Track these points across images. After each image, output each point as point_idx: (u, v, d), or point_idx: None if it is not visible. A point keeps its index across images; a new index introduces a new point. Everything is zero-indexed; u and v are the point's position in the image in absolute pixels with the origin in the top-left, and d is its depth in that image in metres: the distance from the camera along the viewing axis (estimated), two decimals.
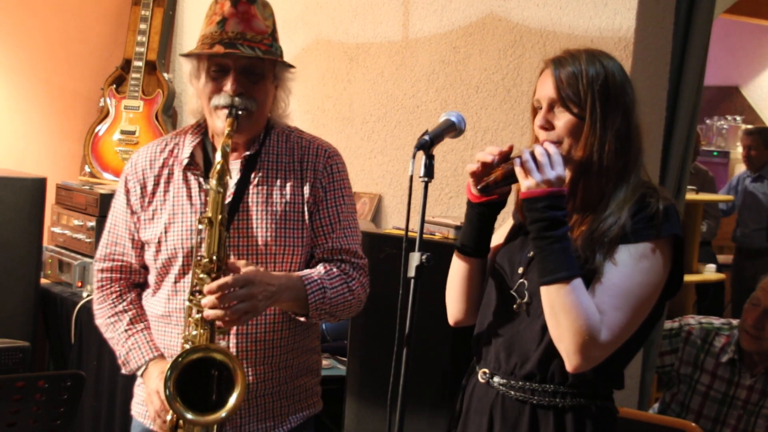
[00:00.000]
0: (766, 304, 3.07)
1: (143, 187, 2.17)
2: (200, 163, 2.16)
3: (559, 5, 3.12)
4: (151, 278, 2.19)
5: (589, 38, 3.01)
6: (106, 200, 3.97)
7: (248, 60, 2.06)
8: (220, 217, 1.97)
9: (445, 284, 2.78)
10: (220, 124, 2.07)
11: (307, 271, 2.10)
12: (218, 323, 1.94)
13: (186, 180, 2.15)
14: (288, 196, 2.13)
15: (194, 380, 1.93)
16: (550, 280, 1.78)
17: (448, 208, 3.45)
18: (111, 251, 2.22)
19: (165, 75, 4.63)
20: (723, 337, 3.18)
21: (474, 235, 1.99)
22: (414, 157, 1.79)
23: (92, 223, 3.97)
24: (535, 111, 1.91)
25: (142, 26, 4.63)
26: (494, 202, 1.94)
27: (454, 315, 2.09)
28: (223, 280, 1.92)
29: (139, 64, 4.59)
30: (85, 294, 3.85)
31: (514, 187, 1.93)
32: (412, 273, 1.76)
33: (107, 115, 4.57)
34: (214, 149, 2.16)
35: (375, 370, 2.94)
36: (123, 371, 2.22)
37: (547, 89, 1.86)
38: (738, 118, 7.91)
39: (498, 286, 1.97)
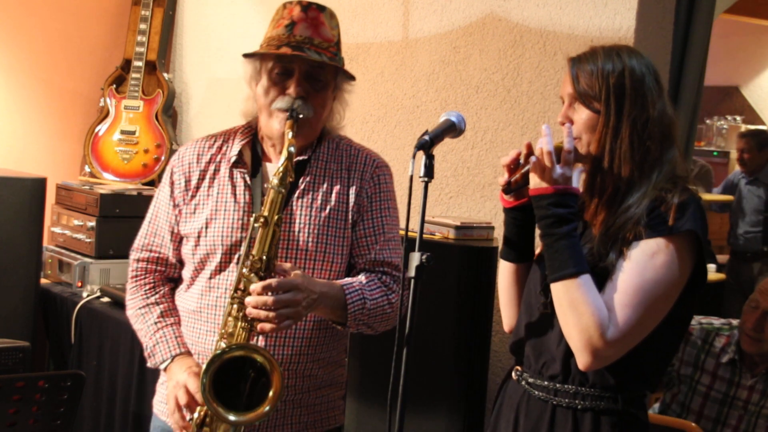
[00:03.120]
0: (765, 307, 3.07)
1: (188, 181, 2.18)
2: (248, 162, 2.17)
3: (559, 5, 3.12)
4: (186, 273, 2.19)
5: (589, 38, 3.01)
6: (106, 200, 3.98)
7: (313, 65, 2.06)
8: (276, 217, 1.96)
9: (445, 284, 2.78)
10: (277, 125, 2.07)
11: (348, 280, 2.09)
12: (258, 325, 1.91)
13: (232, 177, 2.15)
14: (333, 203, 2.13)
15: (226, 378, 1.91)
16: (556, 278, 1.78)
17: (448, 208, 3.45)
18: (149, 242, 2.22)
19: (165, 75, 4.63)
20: (723, 338, 3.18)
21: (513, 241, 1.99)
22: (414, 157, 1.79)
23: (92, 223, 3.97)
24: None
25: (142, 26, 4.63)
26: (527, 206, 1.93)
27: (508, 322, 2.07)
28: (268, 281, 1.91)
29: (139, 64, 4.59)
30: (85, 294, 3.85)
31: None
32: (412, 273, 1.75)
33: (107, 115, 4.57)
34: (263, 151, 2.18)
35: (375, 370, 2.94)
36: (148, 364, 2.19)
37: (566, 86, 1.88)
38: (738, 118, 7.91)
39: (532, 288, 1.97)
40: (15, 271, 3.77)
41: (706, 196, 5.70)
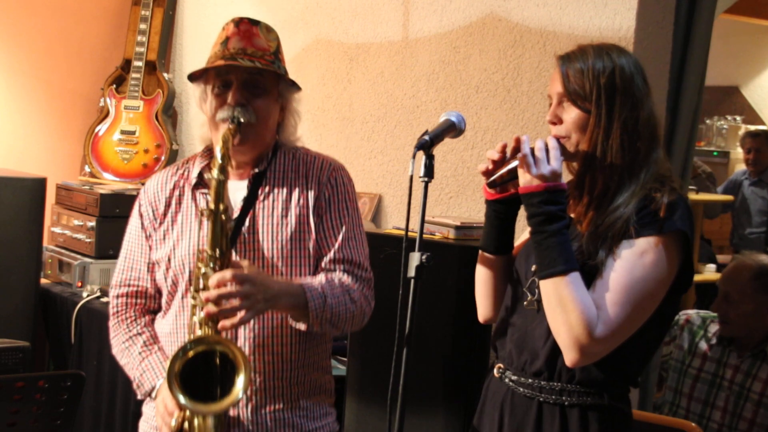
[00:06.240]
0: (724, 290, 3.18)
1: (155, 210, 2.20)
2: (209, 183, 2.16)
3: (559, 5, 3.12)
4: (163, 299, 2.20)
5: (589, 38, 3.01)
6: (106, 200, 3.98)
7: (249, 73, 2.09)
8: (222, 206, 1.97)
9: (445, 284, 2.78)
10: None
11: (308, 279, 2.10)
12: (220, 323, 1.91)
13: (195, 199, 2.17)
14: (294, 210, 2.14)
15: (201, 378, 1.91)
16: (546, 275, 1.80)
17: (448, 208, 3.45)
18: (126, 277, 2.22)
19: (165, 75, 4.63)
20: (717, 324, 3.25)
21: (493, 233, 2.00)
22: (414, 157, 1.79)
23: (92, 223, 3.97)
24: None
25: (142, 26, 4.63)
26: (510, 199, 1.95)
27: (483, 313, 2.09)
28: (222, 273, 1.91)
29: (139, 64, 4.59)
30: (85, 294, 3.85)
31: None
32: (412, 273, 1.75)
33: (107, 115, 4.57)
34: None
35: (375, 370, 2.94)
36: (138, 396, 2.19)
37: (555, 84, 1.89)
38: (738, 118, 7.89)
39: (515, 284, 1.99)
40: (15, 271, 3.77)
41: (707, 197, 5.68)
